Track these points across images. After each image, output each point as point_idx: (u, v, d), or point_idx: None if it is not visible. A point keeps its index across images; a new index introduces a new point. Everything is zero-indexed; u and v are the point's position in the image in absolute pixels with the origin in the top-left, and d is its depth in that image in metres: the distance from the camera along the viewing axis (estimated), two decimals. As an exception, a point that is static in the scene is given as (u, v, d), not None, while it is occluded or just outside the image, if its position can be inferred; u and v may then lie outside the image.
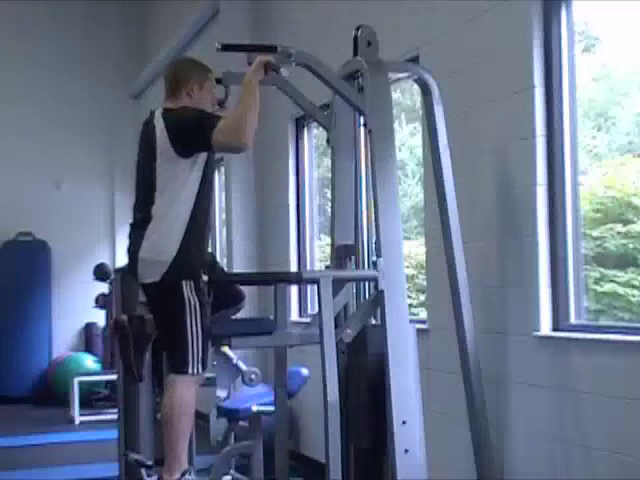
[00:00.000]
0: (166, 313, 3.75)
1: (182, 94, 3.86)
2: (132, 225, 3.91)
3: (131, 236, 3.89)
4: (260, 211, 7.42)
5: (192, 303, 3.68)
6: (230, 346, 3.81)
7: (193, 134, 3.66)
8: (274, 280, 3.99)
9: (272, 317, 3.90)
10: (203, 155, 3.74)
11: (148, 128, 3.86)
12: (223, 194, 8.00)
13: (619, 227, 3.93)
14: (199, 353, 3.70)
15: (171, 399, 3.70)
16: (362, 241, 4.10)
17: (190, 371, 3.69)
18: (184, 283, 3.68)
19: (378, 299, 3.65)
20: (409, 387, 3.67)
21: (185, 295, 3.67)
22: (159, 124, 3.78)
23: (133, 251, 3.82)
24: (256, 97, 3.61)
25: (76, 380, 9.10)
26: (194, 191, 3.74)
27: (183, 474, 3.72)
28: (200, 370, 3.72)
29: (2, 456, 7.26)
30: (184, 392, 3.69)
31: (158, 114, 3.83)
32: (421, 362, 3.84)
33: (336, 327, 3.62)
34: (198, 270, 3.75)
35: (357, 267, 4.10)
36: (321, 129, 5.00)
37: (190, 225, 3.73)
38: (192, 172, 3.72)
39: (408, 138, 6.43)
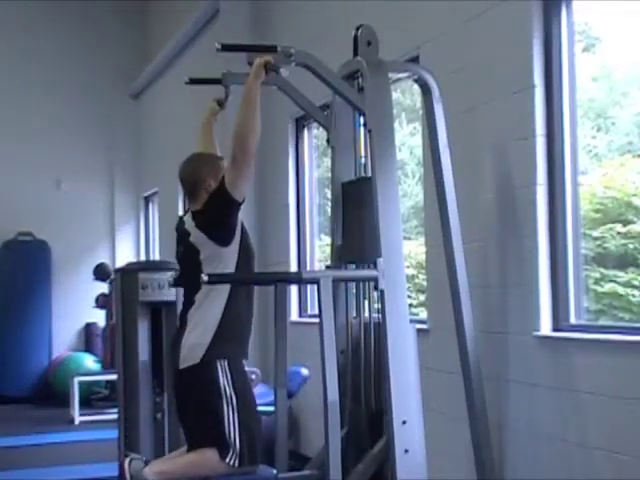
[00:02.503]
0: (200, 400, 3.77)
1: (201, 193, 3.90)
2: (180, 315, 3.97)
3: (179, 325, 3.95)
4: (260, 211, 7.42)
5: (228, 392, 3.72)
6: None
7: (217, 208, 3.77)
8: (274, 280, 3.99)
9: (274, 471, 3.91)
10: (238, 231, 3.83)
11: (181, 233, 3.94)
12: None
13: (619, 227, 3.93)
14: (237, 444, 3.69)
15: (190, 459, 3.77)
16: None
17: (227, 459, 3.69)
18: (219, 367, 3.72)
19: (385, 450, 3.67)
20: (409, 387, 3.67)
21: (220, 381, 3.72)
22: (191, 226, 3.86)
23: (177, 337, 3.88)
24: (255, 103, 3.62)
25: (76, 380, 9.09)
26: (232, 267, 3.81)
27: None
28: (236, 462, 3.69)
29: (2, 456, 7.24)
30: (201, 464, 3.73)
31: (188, 218, 3.91)
32: (421, 362, 3.84)
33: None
34: (235, 351, 3.83)
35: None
36: (321, 129, 5.01)
37: (227, 308, 3.79)
38: (229, 257, 3.81)
39: (408, 138, 6.43)
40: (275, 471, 3.92)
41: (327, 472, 3.50)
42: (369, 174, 3.97)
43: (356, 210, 4.08)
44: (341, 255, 4.21)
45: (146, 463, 3.82)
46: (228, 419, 3.71)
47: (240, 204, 3.78)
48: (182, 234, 3.93)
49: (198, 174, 3.92)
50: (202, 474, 3.77)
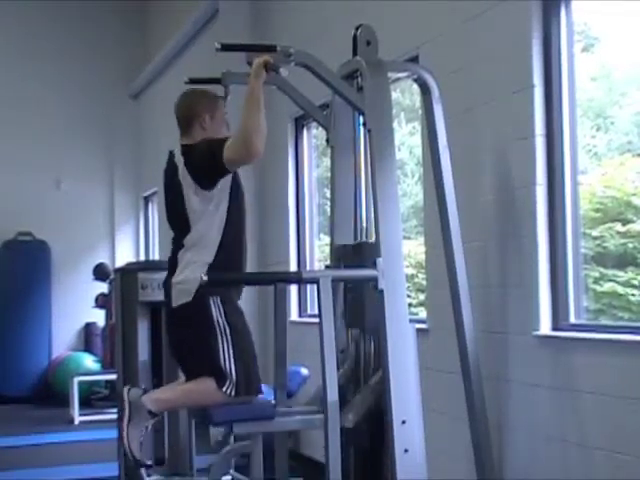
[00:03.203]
0: (195, 334, 3.78)
1: (195, 128, 3.90)
2: (169, 259, 3.95)
3: (168, 267, 3.93)
4: (260, 211, 7.42)
5: (221, 324, 3.73)
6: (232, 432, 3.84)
7: (209, 165, 3.71)
8: (274, 280, 3.99)
9: (273, 401, 3.92)
10: (228, 179, 3.79)
11: (170, 168, 3.93)
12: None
13: (618, 227, 3.93)
14: (233, 375, 3.71)
15: (188, 387, 3.80)
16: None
17: (224, 389, 3.71)
18: (212, 302, 3.72)
19: (380, 382, 3.68)
20: (409, 387, 3.67)
21: (214, 315, 3.73)
22: (180, 162, 3.84)
23: (168, 278, 3.87)
24: (259, 103, 3.61)
25: (76, 380, 9.10)
26: (223, 218, 3.80)
27: (153, 415, 3.77)
28: (232, 392, 3.71)
29: (2, 456, 7.25)
30: (199, 392, 3.74)
31: (177, 153, 3.89)
32: (421, 362, 3.84)
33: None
34: (228, 290, 3.82)
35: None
36: (320, 129, 5.00)
37: (221, 249, 3.79)
38: (220, 199, 3.79)
39: (407, 138, 6.43)
40: (273, 401, 3.92)
41: (327, 472, 3.50)
42: (370, 239, 3.99)
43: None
44: (340, 256, 4.21)
45: (144, 391, 3.85)
46: (223, 351, 3.72)
47: (226, 172, 3.74)
48: (171, 169, 3.90)
49: (194, 107, 3.91)
50: (200, 402, 3.79)
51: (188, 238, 3.82)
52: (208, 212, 3.78)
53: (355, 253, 4.07)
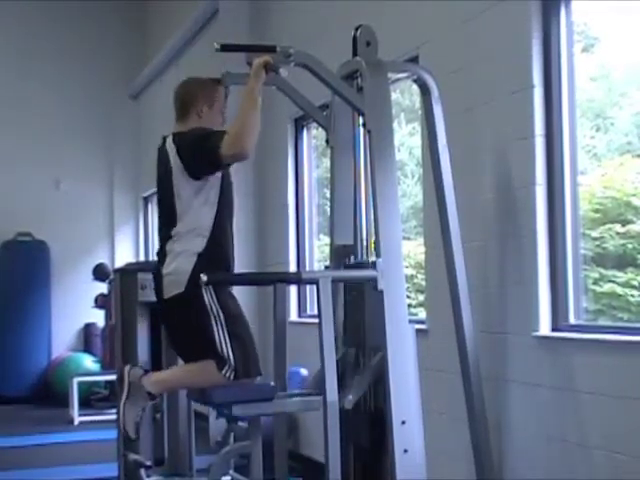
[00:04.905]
0: (190, 324, 3.79)
1: (191, 115, 3.90)
2: (158, 251, 3.95)
3: (158, 258, 3.93)
4: (259, 211, 7.42)
5: (215, 310, 3.72)
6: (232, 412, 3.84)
7: (202, 155, 3.69)
8: (273, 280, 3.99)
9: (272, 383, 3.91)
10: (217, 177, 3.79)
11: (162, 154, 3.91)
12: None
13: (618, 227, 3.93)
14: (231, 359, 3.72)
15: (189, 368, 3.82)
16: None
17: (223, 372, 3.72)
18: (204, 291, 3.71)
19: (380, 363, 3.68)
20: (409, 387, 3.67)
21: (207, 303, 3.72)
22: (171, 149, 3.82)
23: (157, 269, 3.87)
24: (256, 103, 3.61)
25: (75, 380, 9.09)
26: (213, 208, 3.79)
27: (152, 397, 3.81)
28: (231, 375, 3.72)
29: (2, 456, 7.25)
30: (199, 373, 3.76)
31: (169, 139, 3.87)
32: (420, 362, 3.84)
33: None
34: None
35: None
36: (320, 129, 5.00)
37: (211, 240, 3.78)
38: (210, 190, 3.78)
39: (407, 138, 6.43)
40: (272, 383, 3.92)
41: (327, 472, 3.50)
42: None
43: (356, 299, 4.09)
44: (340, 257, 4.21)
45: (145, 372, 3.87)
46: (219, 337, 3.72)
47: (220, 166, 3.73)
48: (162, 156, 3.89)
49: (192, 93, 3.91)
50: (200, 384, 3.80)
51: (177, 229, 3.80)
52: (197, 202, 3.77)
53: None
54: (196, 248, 3.77)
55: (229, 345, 3.73)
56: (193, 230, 3.78)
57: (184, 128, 3.88)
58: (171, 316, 3.90)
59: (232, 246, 3.93)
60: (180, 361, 4.07)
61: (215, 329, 3.73)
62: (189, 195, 3.76)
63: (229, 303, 3.81)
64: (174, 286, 3.77)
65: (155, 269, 3.91)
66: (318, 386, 3.72)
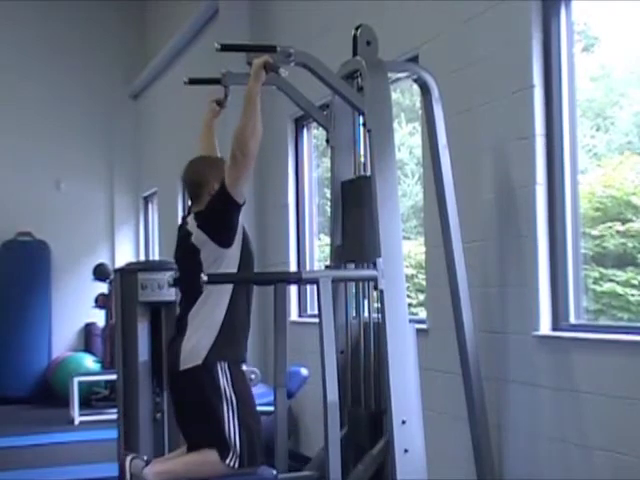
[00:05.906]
0: (200, 402, 3.78)
1: (204, 195, 3.93)
2: (178, 320, 3.97)
3: (177, 328, 3.95)
4: (260, 211, 7.42)
5: (228, 393, 3.74)
6: None
7: (219, 209, 3.76)
8: (274, 280, 3.99)
9: (274, 472, 3.90)
10: (239, 234, 3.84)
11: (183, 234, 3.95)
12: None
13: (618, 226, 3.93)
14: (237, 445, 3.71)
15: (191, 459, 3.80)
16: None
17: (227, 461, 3.71)
18: (219, 367, 3.74)
19: (383, 451, 3.69)
20: (409, 387, 3.67)
21: (221, 385, 3.74)
22: (194, 228, 3.86)
23: (176, 338, 3.88)
24: (257, 105, 3.63)
25: (76, 380, 9.09)
26: (234, 270, 3.83)
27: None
28: (235, 464, 3.71)
29: (2, 456, 7.24)
30: (202, 464, 3.75)
31: (190, 218, 3.92)
32: (421, 362, 3.84)
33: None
34: (235, 353, 3.86)
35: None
36: (320, 129, 5.00)
37: (231, 308, 3.82)
38: (231, 259, 3.82)
39: (407, 138, 6.43)
40: (275, 472, 3.92)
41: (327, 472, 3.50)
42: (368, 173, 3.97)
43: (356, 209, 4.09)
44: (340, 255, 4.21)
45: (147, 463, 3.83)
46: (228, 420, 3.72)
47: (240, 206, 3.78)
48: (184, 235, 3.94)
49: (203, 176, 3.94)
50: (202, 475, 3.77)
51: (200, 299, 3.82)
52: (221, 267, 3.80)
53: (354, 189, 4.06)
54: (215, 322, 3.79)
55: (237, 432, 3.72)
56: (216, 305, 3.80)
57: (201, 207, 3.90)
58: (182, 389, 3.87)
59: (249, 312, 3.98)
60: (182, 441, 4.02)
61: (225, 412, 3.73)
62: (213, 267, 3.77)
63: (242, 385, 3.83)
64: (192, 358, 3.77)
65: (173, 338, 3.93)
66: (320, 468, 3.72)
